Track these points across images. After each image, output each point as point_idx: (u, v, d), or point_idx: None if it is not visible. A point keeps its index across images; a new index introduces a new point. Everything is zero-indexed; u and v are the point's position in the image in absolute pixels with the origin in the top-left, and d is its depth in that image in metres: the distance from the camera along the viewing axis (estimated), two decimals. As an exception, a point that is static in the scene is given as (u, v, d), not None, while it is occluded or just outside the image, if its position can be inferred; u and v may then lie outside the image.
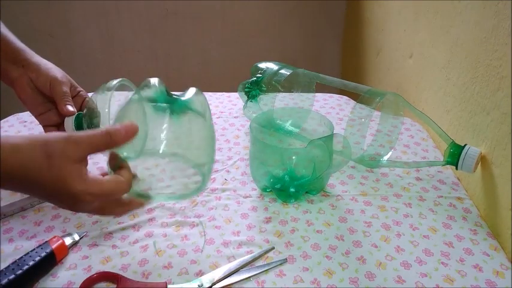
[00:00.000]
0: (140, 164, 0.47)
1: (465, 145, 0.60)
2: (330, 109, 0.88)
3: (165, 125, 0.46)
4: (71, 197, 0.40)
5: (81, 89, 0.64)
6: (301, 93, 0.82)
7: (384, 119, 0.71)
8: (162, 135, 0.45)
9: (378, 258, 0.51)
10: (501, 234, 0.54)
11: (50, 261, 0.48)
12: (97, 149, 0.42)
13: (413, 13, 0.91)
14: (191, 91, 0.48)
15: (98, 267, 0.49)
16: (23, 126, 0.79)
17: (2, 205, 0.57)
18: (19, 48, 0.60)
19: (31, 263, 0.46)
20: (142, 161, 0.46)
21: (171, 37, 1.63)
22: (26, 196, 0.59)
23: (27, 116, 0.81)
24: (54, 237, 0.51)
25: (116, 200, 0.45)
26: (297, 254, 0.51)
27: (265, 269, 0.49)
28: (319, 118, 0.65)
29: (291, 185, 0.60)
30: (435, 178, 0.66)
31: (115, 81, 0.60)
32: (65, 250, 0.50)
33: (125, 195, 0.45)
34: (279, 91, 0.76)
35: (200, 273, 0.49)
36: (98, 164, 0.67)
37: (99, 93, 0.60)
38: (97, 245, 0.52)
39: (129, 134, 0.43)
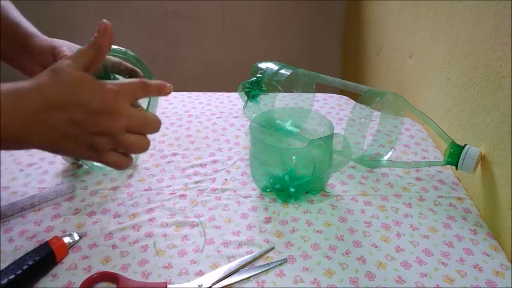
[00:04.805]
0: None
1: (465, 145, 0.60)
2: (330, 109, 0.88)
3: None
4: (96, 94, 0.43)
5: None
6: (301, 93, 0.82)
7: (384, 119, 0.71)
8: None
9: (378, 258, 0.51)
10: (501, 234, 0.54)
11: (50, 261, 0.48)
12: (89, 60, 0.46)
13: (413, 13, 0.91)
14: None
15: (98, 267, 0.49)
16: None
17: (2, 205, 0.57)
18: (26, 34, 0.60)
19: (31, 263, 0.46)
20: None
21: (171, 37, 1.63)
22: (26, 196, 0.59)
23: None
24: (54, 237, 0.50)
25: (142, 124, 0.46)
26: (297, 254, 0.51)
27: (265, 269, 0.49)
28: (319, 118, 0.65)
29: (291, 185, 0.60)
30: (435, 178, 0.66)
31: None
32: (65, 250, 0.50)
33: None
34: (279, 91, 0.76)
35: (200, 273, 0.49)
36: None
37: None
38: (97, 245, 0.52)
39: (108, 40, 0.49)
